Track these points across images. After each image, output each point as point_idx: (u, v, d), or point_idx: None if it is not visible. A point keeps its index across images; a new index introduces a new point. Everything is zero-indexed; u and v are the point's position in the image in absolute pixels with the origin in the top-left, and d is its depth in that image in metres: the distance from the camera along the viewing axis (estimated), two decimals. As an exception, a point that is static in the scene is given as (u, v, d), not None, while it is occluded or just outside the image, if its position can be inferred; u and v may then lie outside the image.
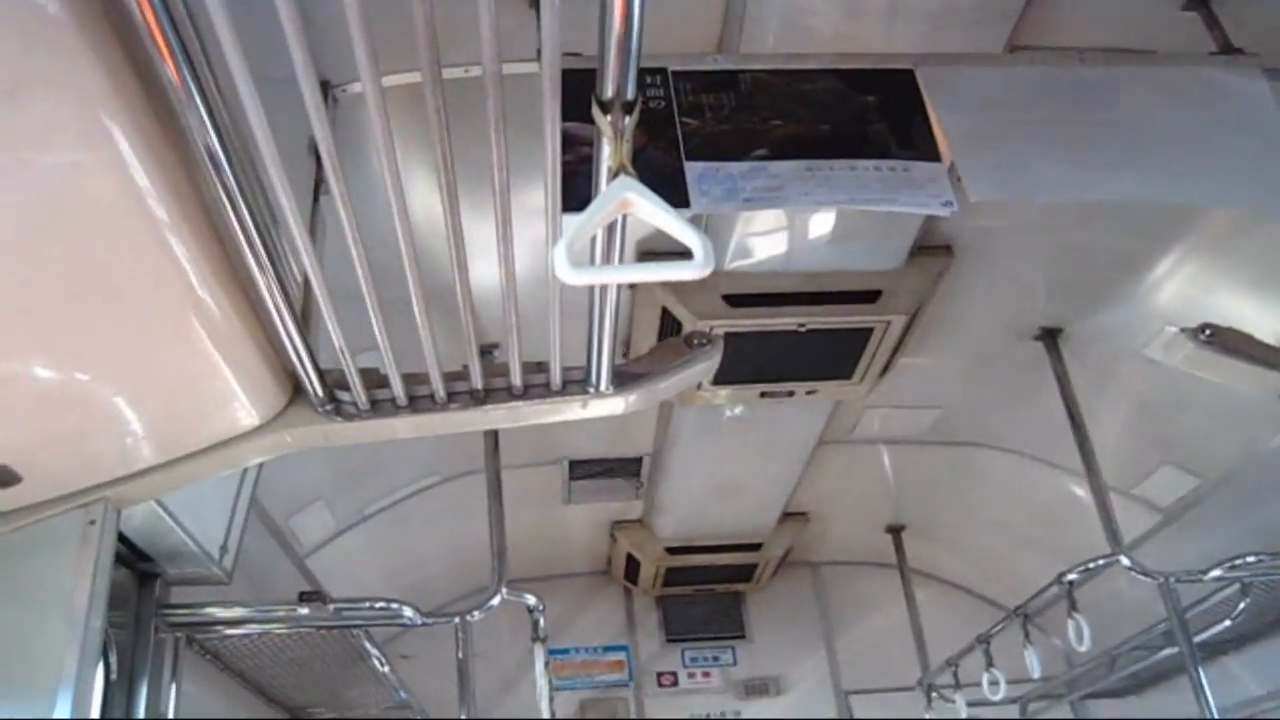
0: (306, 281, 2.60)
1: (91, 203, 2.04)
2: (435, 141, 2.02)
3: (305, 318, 2.69)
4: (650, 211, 1.88)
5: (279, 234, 2.38)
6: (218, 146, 1.95)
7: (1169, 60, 3.28)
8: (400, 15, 1.81)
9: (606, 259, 2.35)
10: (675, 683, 8.85)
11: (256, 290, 2.40)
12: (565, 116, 1.98)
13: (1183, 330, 3.18)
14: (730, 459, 6.52)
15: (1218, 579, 5.07)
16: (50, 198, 2.01)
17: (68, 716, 2.76)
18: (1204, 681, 5.00)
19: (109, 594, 2.99)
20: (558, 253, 1.83)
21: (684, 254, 1.82)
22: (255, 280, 2.35)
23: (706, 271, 1.81)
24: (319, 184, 2.96)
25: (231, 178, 2.03)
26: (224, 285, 2.41)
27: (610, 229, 2.21)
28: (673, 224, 1.86)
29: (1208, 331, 3.15)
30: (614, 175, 1.94)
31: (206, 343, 2.52)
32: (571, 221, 1.93)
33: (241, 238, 2.19)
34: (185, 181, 2.12)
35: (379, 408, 2.94)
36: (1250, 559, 4.92)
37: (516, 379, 2.92)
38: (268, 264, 2.31)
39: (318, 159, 2.88)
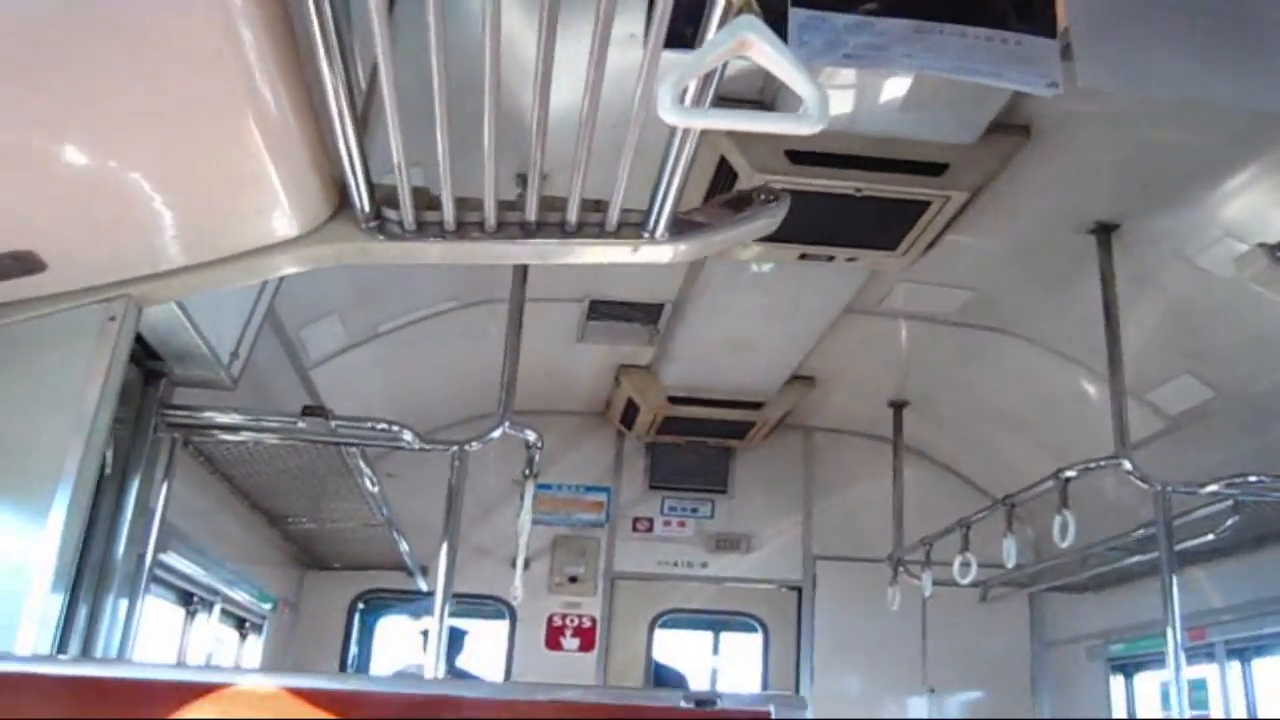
0: (372, 82, 2.40)
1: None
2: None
3: (364, 125, 2.49)
4: (769, 56, 1.75)
5: (351, 32, 2.18)
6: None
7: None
8: None
9: (698, 101, 2.16)
10: (650, 529, 8.92)
11: (320, 84, 2.20)
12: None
13: (1260, 245, 3.03)
14: (751, 316, 6.38)
15: (1214, 494, 5.07)
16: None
17: (64, 510, 2.71)
18: (1175, 590, 4.96)
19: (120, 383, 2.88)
20: (663, 91, 1.72)
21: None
22: (321, 72, 2.15)
23: (819, 128, 1.74)
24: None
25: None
26: (284, 75, 2.21)
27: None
28: (792, 72, 1.76)
29: (1285, 249, 3.00)
30: (738, 11, 1.77)
31: (257, 139, 2.32)
32: (674, 59, 1.77)
33: (315, 26, 1.99)
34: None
35: (425, 229, 2.76)
36: (1251, 478, 4.92)
37: (573, 215, 2.75)
38: (337, 56, 2.10)
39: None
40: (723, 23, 1.85)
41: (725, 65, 1.91)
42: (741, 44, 1.73)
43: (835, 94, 4.01)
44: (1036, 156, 4.51)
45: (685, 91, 2.00)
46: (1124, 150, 4.53)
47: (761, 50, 1.72)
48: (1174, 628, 4.92)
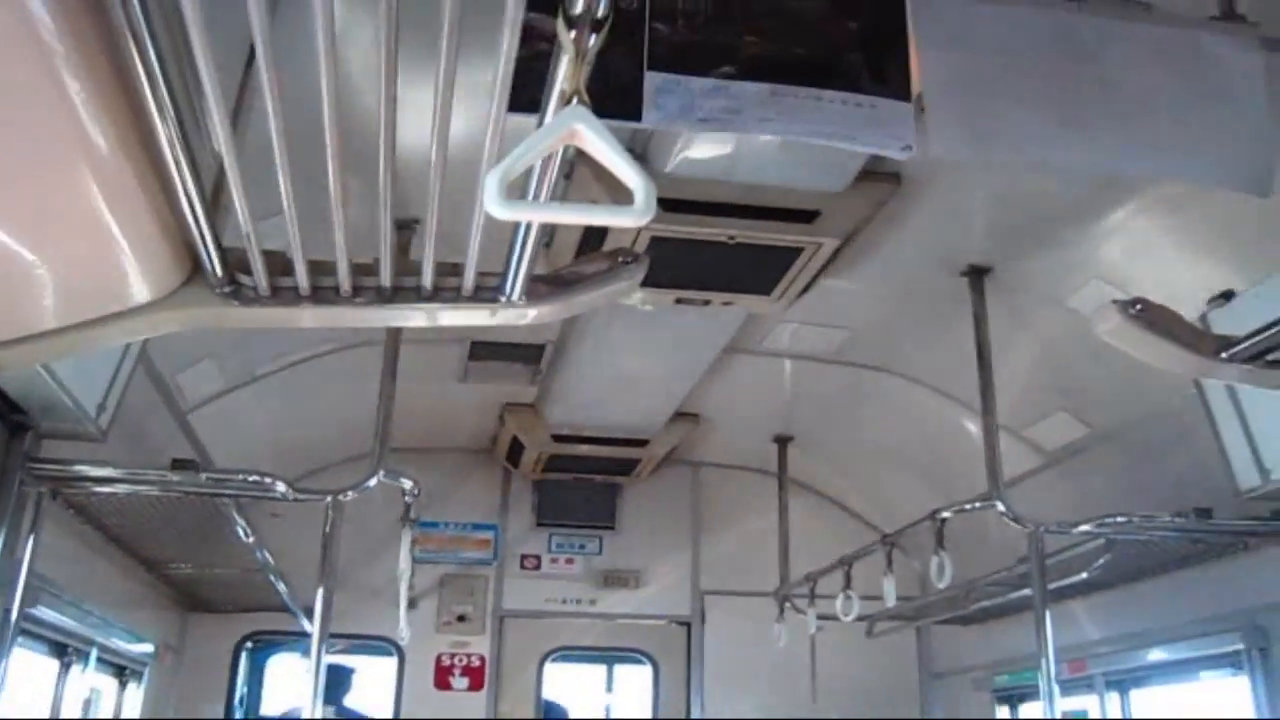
0: (219, 153, 2.35)
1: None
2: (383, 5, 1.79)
3: (215, 192, 2.44)
4: (597, 147, 1.72)
5: (198, 97, 2.14)
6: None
7: (1165, 19, 3.10)
8: None
9: (539, 185, 2.15)
10: (538, 566, 8.88)
11: (162, 157, 2.14)
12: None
13: (1114, 301, 3.08)
14: (633, 356, 6.40)
15: (1085, 534, 5.12)
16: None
17: None
18: (1049, 627, 5.05)
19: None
20: (490, 183, 1.67)
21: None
22: (161, 146, 2.09)
23: (645, 220, 1.69)
24: (253, 49, 2.71)
25: (144, 26, 1.77)
26: (126, 147, 2.14)
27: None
28: (619, 164, 1.70)
29: (1138, 306, 3.04)
30: (567, 100, 1.75)
31: (104, 210, 2.25)
32: (511, 140, 1.75)
33: (150, 96, 1.93)
34: (91, 24, 1.85)
35: (280, 295, 2.70)
36: (1120, 518, 4.97)
37: (428, 280, 2.71)
38: (177, 126, 2.05)
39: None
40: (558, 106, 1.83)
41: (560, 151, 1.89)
42: (570, 134, 1.71)
43: (715, 145, 4.05)
44: (908, 202, 4.59)
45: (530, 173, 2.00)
46: (993, 196, 4.64)
47: (590, 141, 1.70)
48: (1047, 661, 5.00)
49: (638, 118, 2.51)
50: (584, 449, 7.98)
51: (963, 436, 6.68)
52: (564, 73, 1.77)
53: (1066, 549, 5.37)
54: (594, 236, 4.59)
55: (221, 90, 1.97)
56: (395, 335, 5.16)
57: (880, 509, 8.46)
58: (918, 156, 2.72)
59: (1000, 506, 5.18)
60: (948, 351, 6.00)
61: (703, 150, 4.10)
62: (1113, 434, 5.91)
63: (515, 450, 8.27)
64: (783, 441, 8.30)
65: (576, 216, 2.57)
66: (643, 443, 7.94)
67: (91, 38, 1.85)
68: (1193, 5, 3.10)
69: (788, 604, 7.88)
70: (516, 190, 1.67)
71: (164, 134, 2.03)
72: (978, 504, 5.36)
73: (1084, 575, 5.44)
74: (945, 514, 5.54)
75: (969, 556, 5.72)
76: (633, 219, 1.66)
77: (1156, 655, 6.00)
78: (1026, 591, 5.45)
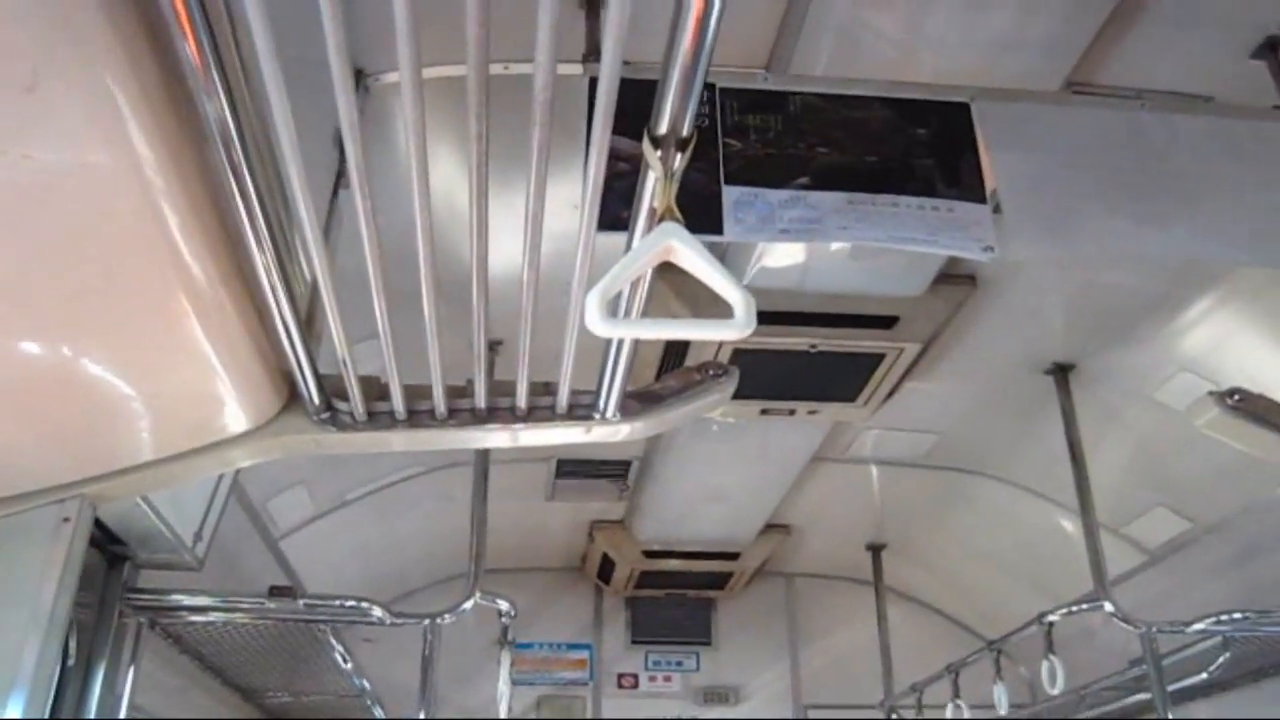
0: (314, 281, 2.43)
1: (88, 176, 1.87)
2: (473, 138, 1.84)
3: (309, 319, 2.52)
4: (693, 262, 1.75)
5: (290, 226, 2.22)
6: (231, 125, 1.78)
7: (1229, 110, 3.14)
8: (441, 7, 1.69)
9: (631, 301, 2.20)
10: (636, 685, 8.72)
11: (260, 286, 2.23)
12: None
13: (1210, 393, 3.05)
14: (720, 469, 6.39)
15: (1200, 632, 4.96)
16: (46, 170, 1.83)
17: (19, 715, 2.64)
18: (1174, 732, 4.91)
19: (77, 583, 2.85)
20: (590, 301, 1.70)
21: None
22: (259, 275, 2.18)
23: (747, 332, 1.70)
24: (339, 178, 2.80)
25: (243, 161, 1.86)
26: (225, 278, 2.24)
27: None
28: (716, 279, 1.73)
29: (1236, 397, 3.02)
30: (659, 218, 1.79)
31: (202, 341, 2.35)
32: (608, 256, 1.79)
33: (248, 226, 2.02)
34: (192, 160, 1.94)
35: (376, 420, 2.77)
36: (1236, 615, 4.81)
37: (522, 400, 2.77)
38: (274, 258, 2.14)
39: (340, 151, 2.74)
40: (648, 224, 1.88)
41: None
42: (666, 250, 1.74)
43: (790, 255, 4.10)
44: (986, 303, 4.61)
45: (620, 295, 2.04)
46: (1070, 293, 4.64)
47: (686, 256, 1.73)
48: (1177, 768, 4.83)
49: (719, 231, 2.57)
50: (675, 564, 7.95)
51: (1059, 536, 6.54)
52: (652, 191, 1.81)
53: (1181, 649, 5.21)
54: (673, 354, 4.65)
55: (315, 227, 2.04)
56: (485, 456, 5.21)
57: (980, 614, 8.28)
58: (998, 256, 2.75)
59: (1108, 607, 5.05)
60: (1037, 451, 5.93)
61: (778, 260, 4.15)
62: (1217, 527, 5.76)
63: (606, 567, 8.24)
64: (876, 549, 8.19)
65: (678, 332, 2.60)
66: (734, 556, 7.89)
67: (192, 173, 1.94)
68: (1253, 95, 3.13)
69: (894, 715, 7.70)
70: (608, 309, 1.70)
71: (261, 264, 2.11)
72: (1084, 605, 5.23)
73: (1204, 676, 5.26)
74: (1052, 617, 5.42)
75: (1074, 661, 5.59)
76: (735, 332, 1.68)
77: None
78: (1144, 695, 5.30)
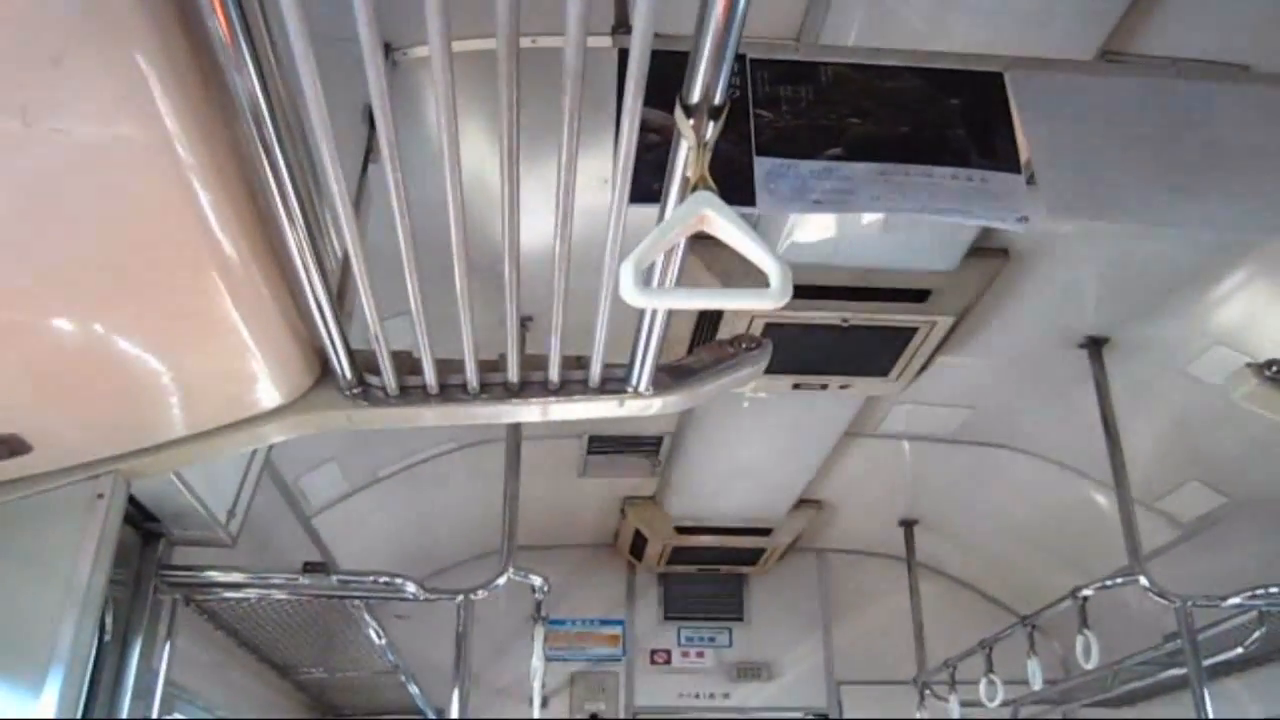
0: (345, 256, 2.43)
1: (117, 152, 1.87)
2: (504, 109, 1.85)
3: (340, 295, 2.53)
4: (728, 231, 1.72)
5: (321, 202, 2.22)
6: (261, 100, 1.78)
7: (1266, 79, 3.09)
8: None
9: (665, 272, 2.19)
10: (668, 661, 8.74)
11: (291, 261, 2.23)
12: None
13: (1248, 365, 3.02)
14: (752, 445, 6.38)
15: (1236, 606, 4.94)
16: (76, 145, 1.83)
17: (57, 687, 2.66)
18: (1209, 706, 4.86)
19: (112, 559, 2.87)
20: (624, 271, 1.68)
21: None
22: (290, 250, 2.18)
23: (783, 302, 1.67)
24: (368, 154, 2.80)
25: (274, 135, 1.86)
26: (256, 254, 2.24)
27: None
28: (752, 247, 1.71)
29: (1275, 368, 2.98)
30: (693, 187, 1.78)
31: (235, 317, 2.35)
32: (639, 229, 1.78)
33: (279, 201, 2.03)
34: (222, 135, 1.94)
35: (408, 394, 2.78)
36: (1273, 589, 4.78)
37: (554, 374, 2.77)
38: (305, 233, 2.14)
39: (369, 127, 2.74)
40: (681, 193, 1.87)
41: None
42: (700, 220, 1.73)
43: (821, 229, 4.08)
44: (1018, 276, 4.58)
45: (652, 266, 2.03)
46: (1104, 265, 4.59)
47: (720, 225, 1.71)
48: (1211, 743, 4.79)
49: (752, 203, 2.55)
50: (708, 540, 7.95)
51: (1093, 511, 6.52)
52: (684, 161, 1.80)
53: (1216, 624, 5.19)
54: (704, 328, 4.64)
55: (345, 201, 2.04)
56: (516, 432, 5.22)
57: (1012, 589, 8.26)
58: (1032, 227, 2.72)
59: (1144, 581, 5.02)
60: (1070, 425, 5.88)
61: (809, 234, 4.13)
62: (1251, 501, 5.74)
63: (638, 544, 8.25)
64: (909, 525, 8.16)
65: (713, 301, 2.60)
66: (767, 531, 7.88)
67: (222, 148, 1.94)
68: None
69: (927, 691, 7.67)
70: (641, 279, 1.69)
71: (292, 239, 2.11)
72: (1119, 580, 5.20)
73: (1239, 650, 5.23)
74: (1087, 591, 5.38)
75: (1107, 635, 5.56)
76: (771, 301, 1.65)
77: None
78: (1178, 670, 5.28)
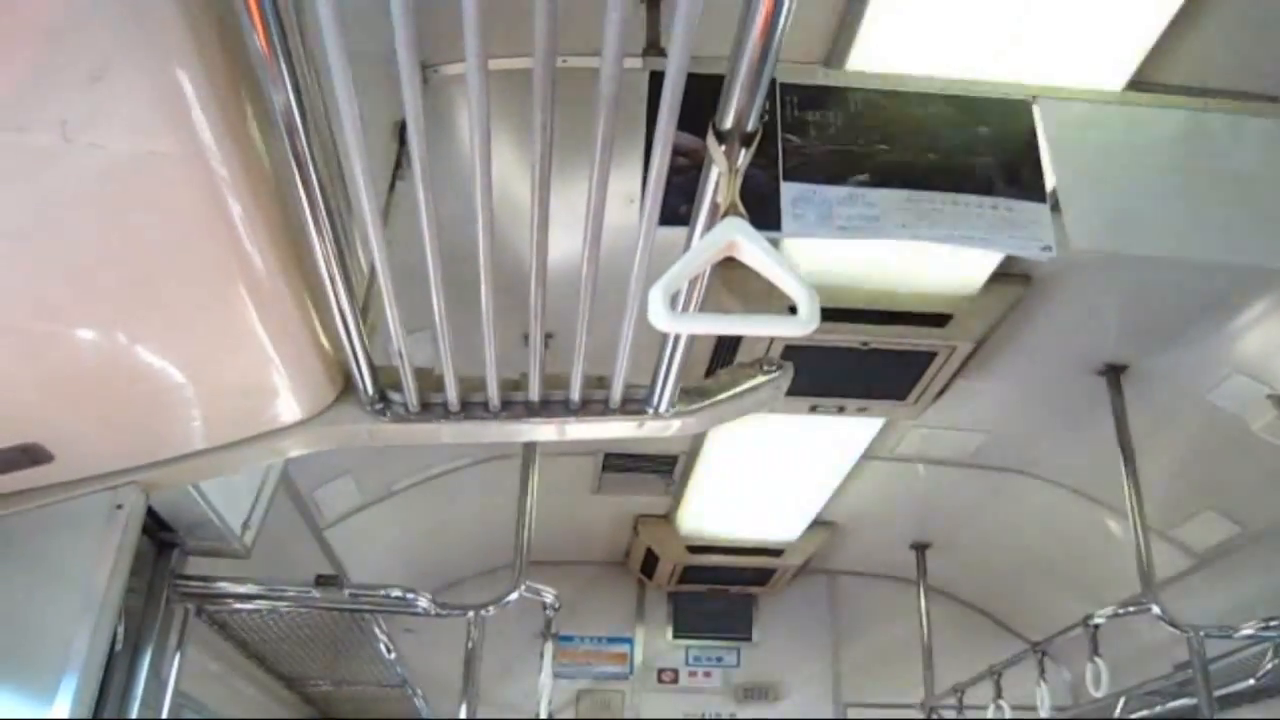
0: (371, 272, 2.44)
1: (153, 166, 1.87)
2: (537, 131, 1.85)
3: (364, 310, 2.53)
4: (757, 258, 1.73)
5: (349, 217, 2.22)
6: (296, 116, 1.78)
7: (1294, 111, 3.09)
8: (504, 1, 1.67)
9: (690, 296, 2.19)
10: (675, 680, 8.71)
11: (318, 276, 2.23)
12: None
13: (1269, 396, 3.02)
14: (767, 466, 6.37)
15: (1248, 637, 4.93)
16: (113, 160, 1.84)
17: (70, 696, 2.67)
18: (1219, 737, 4.85)
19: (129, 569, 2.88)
20: (655, 296, 1.69)
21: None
22: (318, 264, 2.18)
23: (811, 329, 1.68)
24: (396, 168, 2.81)
25: (306, 149, 1.86)
26: (284, 267, 2.24)
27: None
28: (780, 275, 1.71)
29: (1294, 401, 2.99)
30: (723, 213, 1.78)
31: (260, 331, 2.36)
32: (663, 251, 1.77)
33: (309, 215, 2.02)
34: (256, 150, 1.95)
35: (429, 411, 2.78)
36: (1286, 619, 4.74)
37: (575, 394, 2.76)
38: (334, 247, 2.14)
39: (399, 142, 2.75)
40: (710, 219, 1.87)
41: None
42: (730, 246, 1.73)
43: (843, 250, 4.07)
44: (1039, 303, 4.56)
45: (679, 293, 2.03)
46: (1125, 294, 4.58)
47: (750, 252, 1.72)
48: (1221, 777, 4.78)
49: (777, 228, 2.56)
50: (719, 559, 7.93)
51: (1106, 539, 6.50)
52: (717, 185, 1.80)
53: (1227, 654, 5.17)
54: (724, 349, 4.63)
55: (375, 216, 2.05)
56: (532, 449, 5.22)
57: (1023, 615, 8.23)
58: (1056, 256, 2.72)
59: (1156, 610, 4.99)
60: (1086, 452, 5.87)
61: (830, 257, 4.12)
62: (1266, 532, 5.71)
63: (649, 562, 8.24)
64: (920, 548, 8.13)
65: (741, 327, 2.60)
66: (778, 552, 7.87)
67: (255, 162, 1.95)
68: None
69: (935, 715, 7.65)
70: (670, 304, 1.69)
71: (320, 254, 2.11)
72: (1131, 608, 5.18)
73: (1250, 682, 5.21)
74: (1098, 619, 5.37)
75: (1117, 664, 5.54)
76: (799, 328, 1.66)
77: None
78: (1189, 700, 5.25)
